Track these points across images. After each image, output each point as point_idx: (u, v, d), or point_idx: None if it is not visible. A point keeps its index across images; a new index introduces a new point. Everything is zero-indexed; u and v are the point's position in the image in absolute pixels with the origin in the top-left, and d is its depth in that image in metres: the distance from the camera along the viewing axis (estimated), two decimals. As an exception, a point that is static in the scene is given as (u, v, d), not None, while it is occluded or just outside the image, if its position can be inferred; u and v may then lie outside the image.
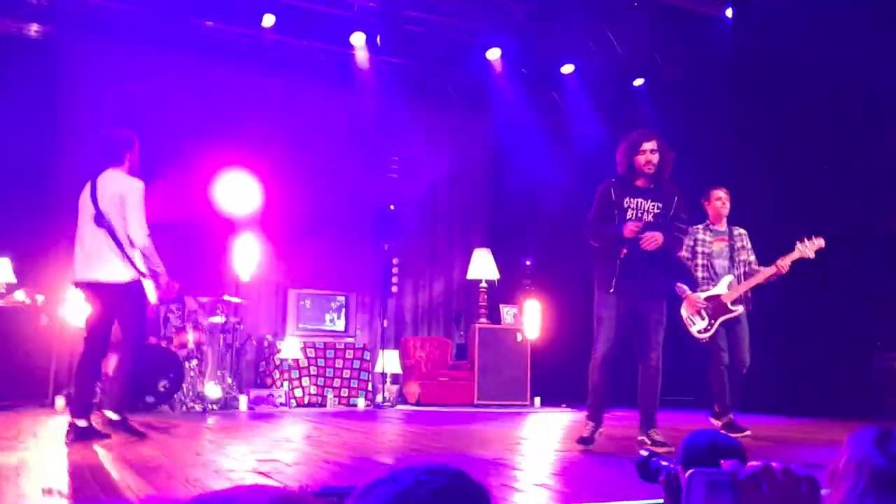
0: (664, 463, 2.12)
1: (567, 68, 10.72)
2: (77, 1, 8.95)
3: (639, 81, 11.03)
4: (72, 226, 8.49)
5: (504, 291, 10.32)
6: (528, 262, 10.85)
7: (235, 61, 9.82)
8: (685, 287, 5.87)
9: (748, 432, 5.72)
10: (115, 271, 4.84)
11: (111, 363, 7.37)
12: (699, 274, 5.97)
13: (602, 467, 3.98)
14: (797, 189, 8.83)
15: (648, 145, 4.69)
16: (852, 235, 8.37)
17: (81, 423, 4.69)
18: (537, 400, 9.76)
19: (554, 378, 10.13)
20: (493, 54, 10.33)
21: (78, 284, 4.96)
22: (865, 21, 7.84)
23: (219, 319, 8.23)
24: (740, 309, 5.88)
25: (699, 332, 5.89)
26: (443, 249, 10.90)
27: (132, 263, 4.84)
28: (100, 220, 4.87)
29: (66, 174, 8.73)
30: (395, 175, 10.61)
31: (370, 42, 9.93)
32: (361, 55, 10.31)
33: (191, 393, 7.72)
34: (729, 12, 9.67)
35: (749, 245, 6.15)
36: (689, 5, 9.77)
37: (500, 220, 11.14)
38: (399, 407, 9.15)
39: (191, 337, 7.71)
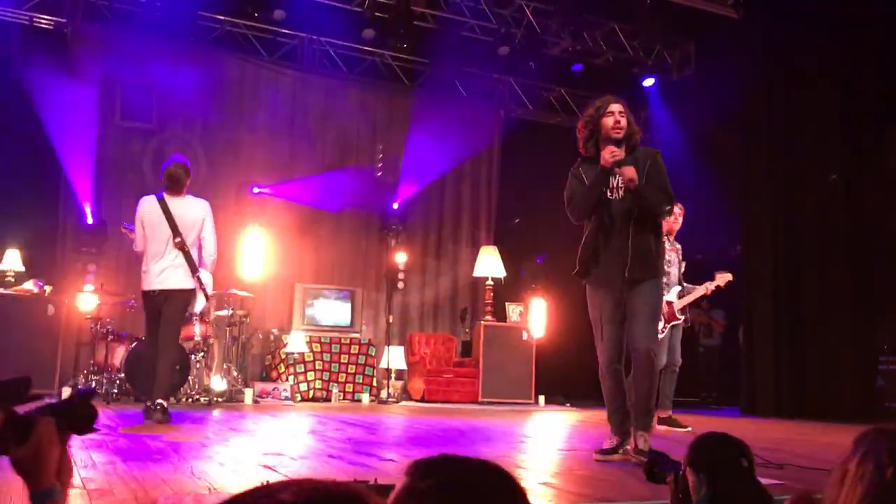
0: (672, 464, 2.12)
1: (577, 67, 10.70)
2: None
3: (649, 81, 11.00)
4: (77, 217, 8.52)
5: (510, 289, 10.31)
6: (539, 261, 10.84)
7: (245, 54, 9.85)
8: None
9: (689, 428, 6.23)
10: (186, 280, 5.77)
11: (118, 355, 7.44)
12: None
13: (607, 467, 3.97)
14: (806, 191, 8.80)
15: (616, 107, 4.17)
16: (860, 239, 8.35)
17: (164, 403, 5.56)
18: (542, 398, 9.76)
19: (559, 377, 10.12)
20: (503, 50, 10.32)
21: (153, 293, 5.72)
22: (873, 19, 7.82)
23: (225, 313, 8.25)
24: (682, 318, 6.67)
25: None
26: (449, 246, 10.90)
27: (195, 277, 5.79)
28: (182, 245, 5.73)
29: (74, 168, 8.78)
30: (399, 171, 10.60)
31: (380, 38, 9.92)
32: (371, 51, 10.31)
33: (196, 385, 7.74)
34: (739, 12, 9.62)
35: (682, 259, 6.80)
36: (699, 5, 9.74)
37: (508, 217, 11.13)
38: (403, 403, 9.16)
39: (197, 329, 7.72)
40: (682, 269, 6.79)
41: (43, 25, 9.02)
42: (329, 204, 10.02)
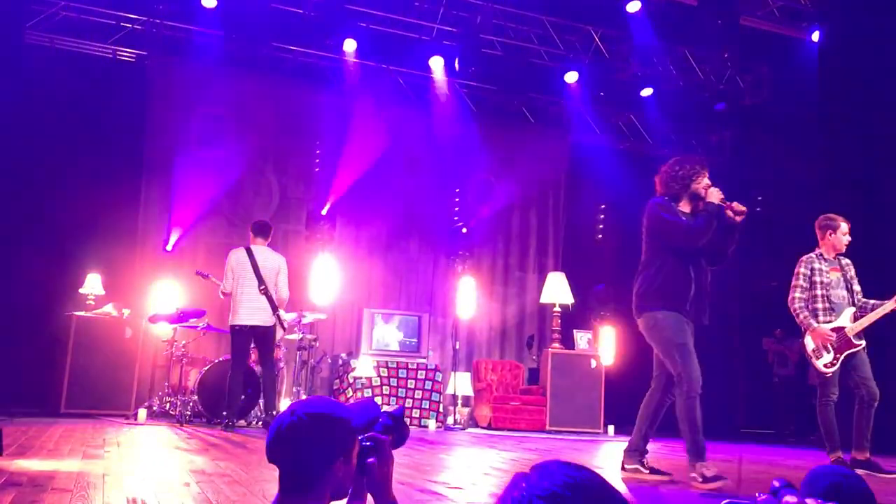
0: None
1: (646, 91, 10.60)
2: (168, 26, 9.32)
3: (720, 106, 10.84)
4: (154, 242, 8.79)
5: (578, 316, 10.20)
6: (601, 287, 10.71)
7: (315, 84, 10.06)
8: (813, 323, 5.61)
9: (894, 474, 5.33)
10: (268, 318, 7.00)
11: (192, 378, 7.61)
12: (818, 305, 5.67)
13: (677, 499, 3.87)
14: (889, 217, 8.50)
15: (707, 174, 4.59)
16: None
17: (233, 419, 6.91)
18: (611, 428, 9.58)
19: (628, 406, 9.92)
20: (571, 77, 10.30)
21: (242, 327, 6.94)
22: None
23: (296, 336, 8.36)
24: (863, 343, 5.57)
25: (825, 365, 5.56)
26: (517, 272, 10.87)
27: (275, 314, 7.05)
28: (265, 291, 6.97)
29: (154, 193, 9.07)
30: (467, 197, 10.64)
31: (448, 66, 10.03)
32: (440, 79, 10.42)
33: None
34: (815, 36, 9.41)
35: (855, 275, 5.82)
36: (773, 28, 9.57)
37: (576, 243, 11.05)
38: (470, 430, 9.11)
39: (268, 353, 7.83)
40: (855, 287, 5.75)
41: (125, 58, 9.39)
42: (397, 229, 10.11)
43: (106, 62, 9.26)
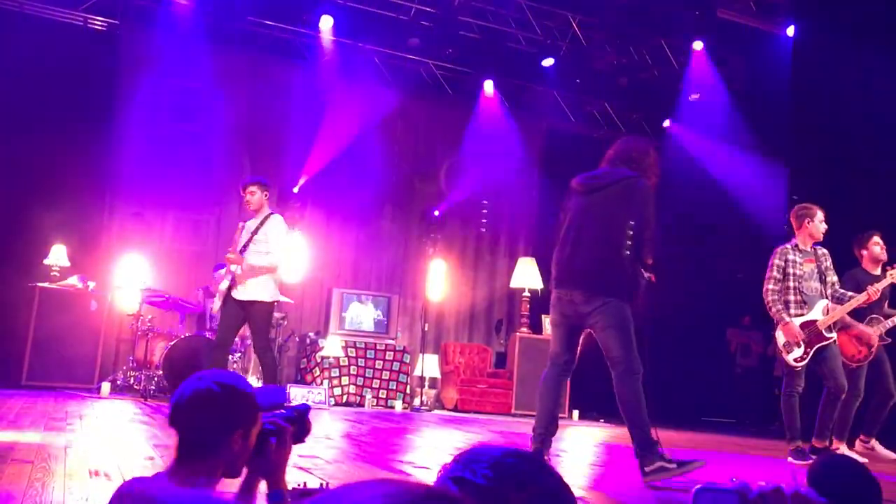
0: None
1: (621, 80, 10.64)
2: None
3: (694, 96, 10.90)
4: (122, 215, 8.67)
5: (547, 301, 10.23)
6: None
7: (290, 60, 9.96)
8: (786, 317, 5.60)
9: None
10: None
11: (157, 352, 7.55)
12: (791, 297, 5.63)
13: (641, 483, 3.91)
14: (857, 211, 8.62)
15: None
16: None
17: None
18: (575, 413, 9.68)
19: (593, 392, 10.01)
20: (548, 63, 10.31)
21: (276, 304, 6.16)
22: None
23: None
24: (834, 336, 5.59)
25: (795, 360, 5.57)
26: (487, 256, 10.89)
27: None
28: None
29: (122, 166, 8.93)
30: (440, 180, 10.64)
31: (425, 47, 9.97)
32: (415, 60, 10.36)
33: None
34: (790, 30, 9.51)
35: (831, 265, 5.80)
36: (749, 22, 9.65)
37: (547, 229, 11.09)
38: (436, 411, 9.15)
39: (235, 330, 7.77)
40: (830, 279, 5.71)
41: (97, 27, 9.22)
42: (369, 210, 10.08)
43: (76, 30, 9.07)
